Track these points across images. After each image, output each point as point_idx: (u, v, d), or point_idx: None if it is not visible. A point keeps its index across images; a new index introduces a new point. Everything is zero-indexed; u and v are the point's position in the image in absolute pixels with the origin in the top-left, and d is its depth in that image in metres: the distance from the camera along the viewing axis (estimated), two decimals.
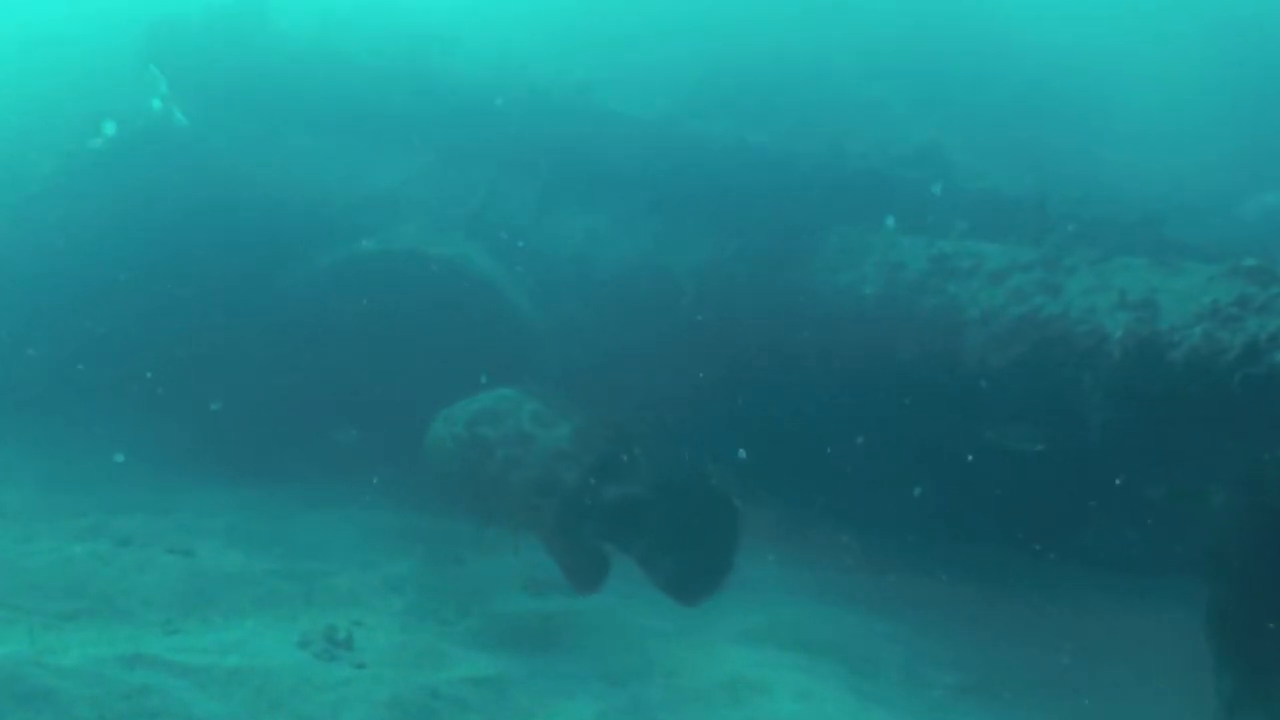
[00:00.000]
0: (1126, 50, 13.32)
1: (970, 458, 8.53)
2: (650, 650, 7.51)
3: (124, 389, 10.43)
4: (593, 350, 10.31)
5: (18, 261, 10.72)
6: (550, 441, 7.37)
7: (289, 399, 10.31)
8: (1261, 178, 12.23)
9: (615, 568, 8.88)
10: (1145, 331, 7.40)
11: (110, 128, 10.19)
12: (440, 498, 8.23)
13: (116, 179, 10.50)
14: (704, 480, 7.39)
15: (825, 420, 9.65)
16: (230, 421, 10.22)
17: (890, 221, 9.21)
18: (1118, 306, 7.64)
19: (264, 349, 10.45)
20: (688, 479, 7.27)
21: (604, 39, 10.71)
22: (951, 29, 12.74)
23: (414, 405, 8.56)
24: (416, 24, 9.99)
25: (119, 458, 9.41)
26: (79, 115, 10.48)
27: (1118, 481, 7.72)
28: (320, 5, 10.16)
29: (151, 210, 10.48)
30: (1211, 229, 10.61)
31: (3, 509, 8.56)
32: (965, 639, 8.26)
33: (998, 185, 10.44)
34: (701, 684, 7.10)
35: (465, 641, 7.23)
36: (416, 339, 10.09)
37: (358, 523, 9.01)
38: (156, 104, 10.02)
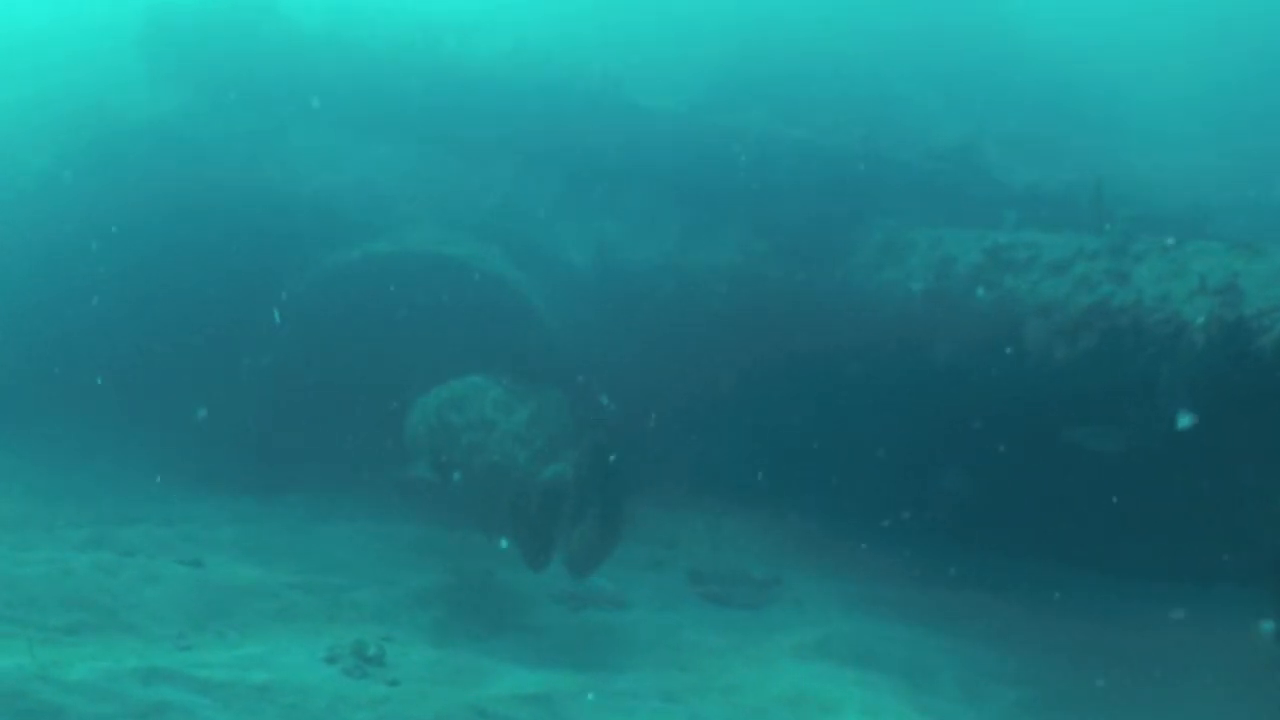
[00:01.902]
0: (1145, 53, 13.06)
1: (1034, 460, 8.07)
2: (704, 666, 6.97)
3: (117, 397, 9.82)
4: (613, 355, 9.82)
5: (8, 263, 10.10)
6: (509, 426, 7.47)
7: (293, 407, 9.73)
8: None
9: (652, 585, 8.46)
10: (1231, 317, 6.90)
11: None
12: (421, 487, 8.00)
13: (113, 177, 9.92)
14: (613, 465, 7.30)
15: (868, 426, 9.18)
16: (231, 432, 9.64)
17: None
18: (1197, 292, 7.15)
19: (268, 355, 9.88)
20: (608, 463, 7.17)
21: (627, 30, 10.24)
22: (977, 30, 12.39)
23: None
24: (432, 12, 9.43)
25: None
26: (73, 108, 9.87)
27: (1199, 481, 7.22)
28: None
29: (150, 210, 9.91)
30: (1242, 226, 10.24)
31: None
32: (1019, 653, 7.83)
33: (1041, 180, 10.05)
34: (763, 700, 6.57)
35: (504, 657, 6.66)
36: (427, 342, 9.54)
37: (372, 535, 8.42)
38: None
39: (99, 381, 9.87)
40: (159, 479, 9.28)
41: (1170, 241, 7.64)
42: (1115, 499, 8.12)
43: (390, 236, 9.82)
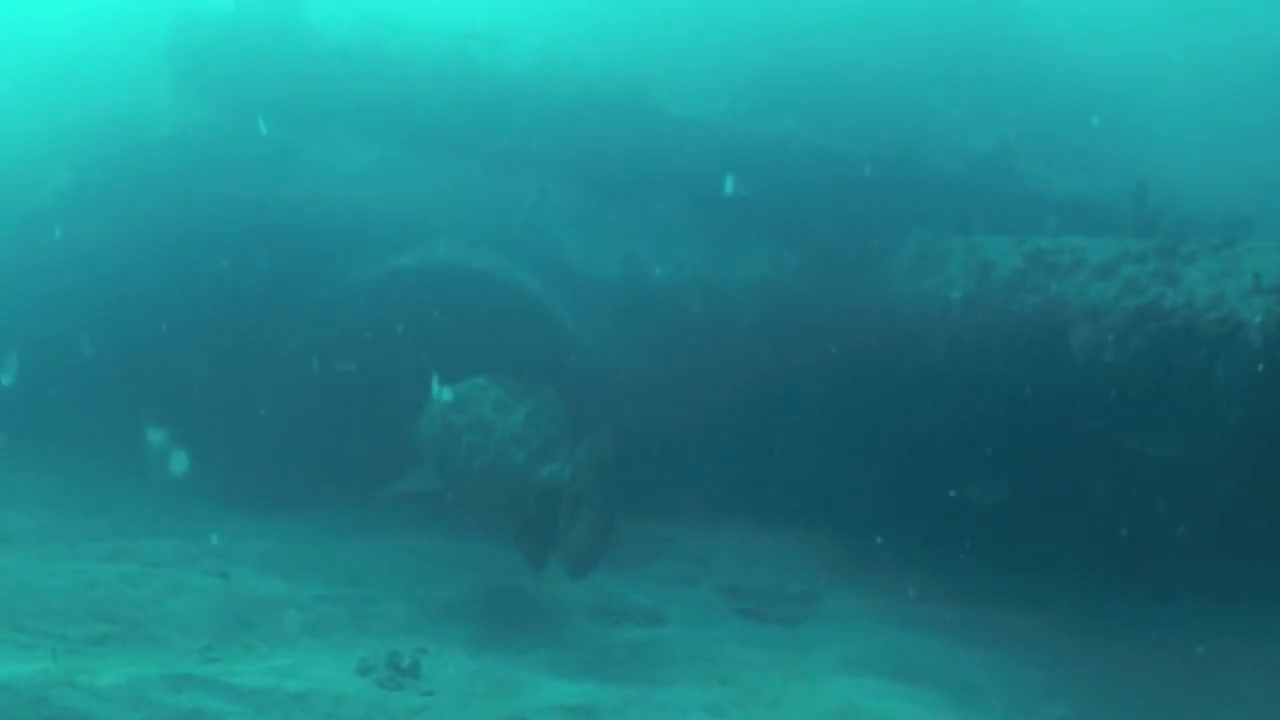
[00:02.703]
0: (1171, 60, 12.95)
1: (1080, 468, 7.87)
2: (746, 680, 6.74)
3: (138, 413, 9.64)
4: (641, 371, 9.63)
5: (30, 279, 9.93)
6: (507, 427, 7.55)
7: (316, 421, 9.55)
8: None
9: (687, 600, 8.24)
10: None
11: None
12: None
13: (136, 193, 9.77)
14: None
15: (906, 439, 8.97)
16: (254, 447, 9.45)
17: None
18: (1252, 291, 6.96)
19: (290, 372, 9.72)
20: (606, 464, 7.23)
21: (658, 38, 10.09)
22: (1003, 39, 12.25)
23: None
24: (459, 20, 9.29)
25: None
26: (96, 123, 9.74)
27: (1257, 488, 7.01)
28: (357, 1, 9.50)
29: (173, 226, 9.76)
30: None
31: (16, 533, 7.71)
32: (1063, 669, 7.62)
33: (1076, 187, 9.88)
34: (809, 714, 6.34)
35: (541, 670, 6.44)
36: (452, 357, 9.37)
37: (399, 548, 8.19)
38: None
39: (119, 397, 9.73)
40: (181, 495, 9.10)
41: (1220, 241, 7.45)
42: (1165, 508, 7.91)
43: (415, 252, 9.66)
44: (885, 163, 9.48)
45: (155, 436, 9.70)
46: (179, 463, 9.42)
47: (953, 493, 8.68)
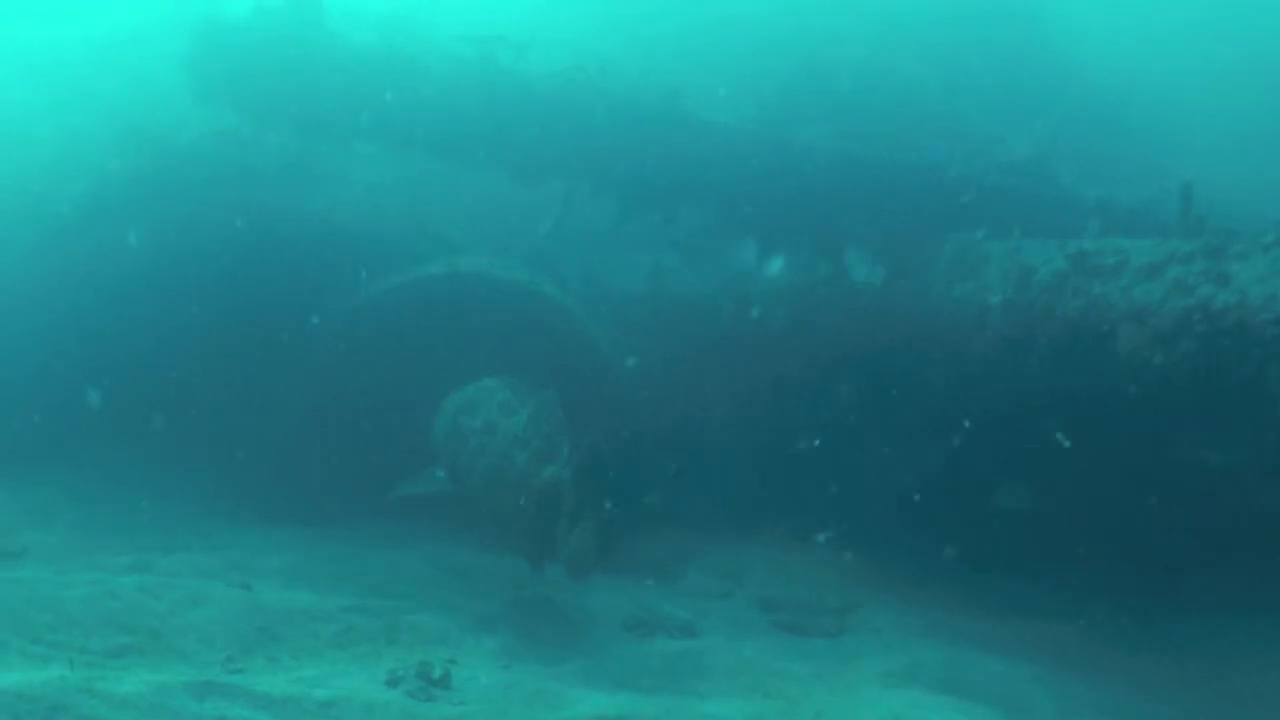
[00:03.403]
0: (1201, 71, 12.79)
1: (1127, 477, 7.62)
2: (788, 693, 6.49)
3: (157, 429, 9.45)
4: (669, 382, 9.43)
5: (47, 291, 9.76)
6: (510, 428, 7.57)
7: (337, 435, 9.34)
8: None
9: (722, 613, 7.99)
10: None
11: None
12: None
13: (156, 203, 9.62)
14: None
15: (943, 450, 8.74)
16: (274, 462, 9.26)
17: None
18: None
19: (313, 384, 9.53)
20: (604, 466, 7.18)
21: (689, 44, 9.94)
22: (1034, 49, 12.11)
23: None
24: (484, 25, 9.13)
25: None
26: (116, 131, 9.59)
27: None
28: (380, 5, 9.34)
29: (193, 238, 9.59)
30: None
31: (34, 547, 7.51)
32: (1109, 685, 7.36)
33: (1113, 194, 9.67)
34: None
35: (576, 682, 6.20)
36: (476, 369, 9.17)
37: (425, 560, 7.99)
38: None
39: (138, 413, 9.54)
40: (200, 511, 8.91)
41: (1272, 239, 7.21)
42: (1216, 519, 7.66)
43: (440, 263, 9.47)
44: (919, 169, 9.28)
45: (175, 452, 9.56)
46: (200, 479, 9.28)
47: (981, 501, 8.50)
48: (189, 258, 9.60)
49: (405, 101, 9.12)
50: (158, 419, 9.42)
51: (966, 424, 8.52)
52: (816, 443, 9.29)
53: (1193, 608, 8.34)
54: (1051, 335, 7.96)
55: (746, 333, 9.58)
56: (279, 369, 9.60)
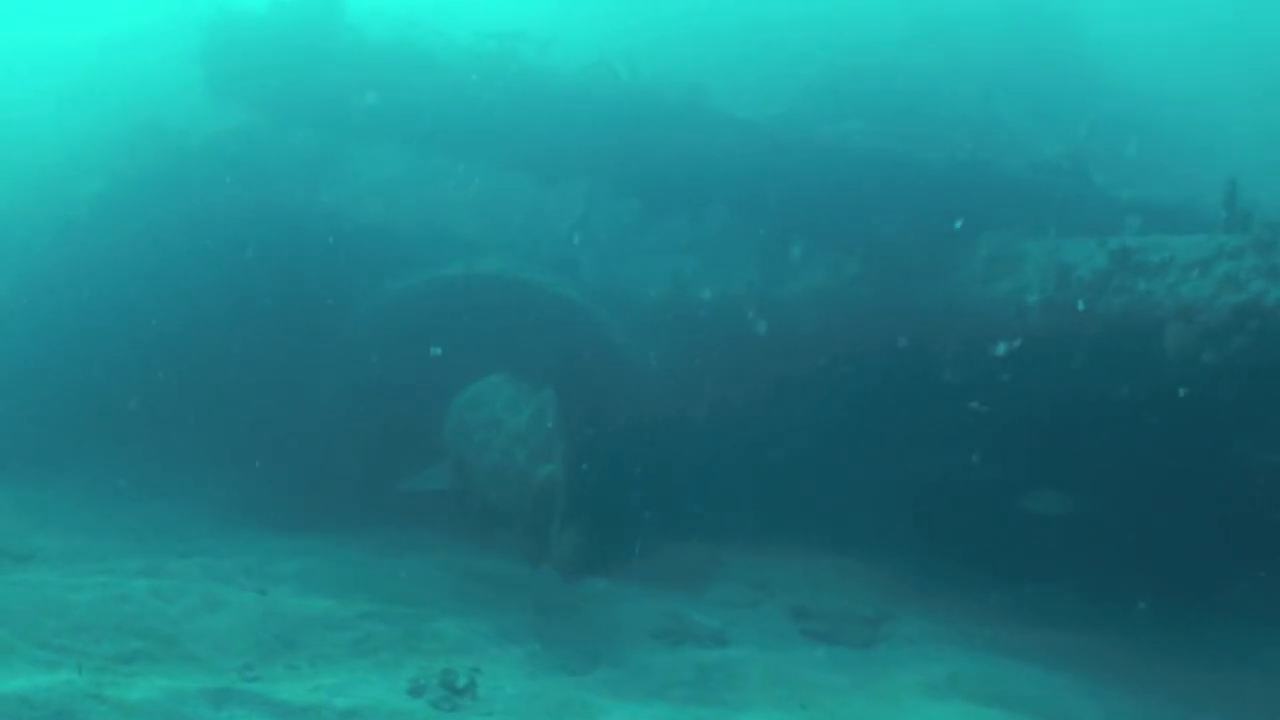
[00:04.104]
0: (1221, 78, 12.56)
1: (1175, 481, 7.35)
2: (827, 704, 6.23)
3: (167, 432, 9.23)
4: (692, 388, 9.18)
5: (61, 294, 9.54)
6: (514, 425, 7.53)
7: (353, 442, 9.11)
8: None
9: (752, 622, 7.73)
10: None
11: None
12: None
13: (170, 202, 9.40)
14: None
15: (976, 456, 8.47)
16: (288, 468, 9.02)
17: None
18: None
19: (327, 387, 9.30)
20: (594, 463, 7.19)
21: (717, 38, 9.69)
22: (1068, 54, 11.88)
23: None
24: (506, 21, 8.88)
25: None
26: (130, 128, 9.37)
27: None
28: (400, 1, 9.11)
29: (208, 237, 9.37)
30: None
31: (43, 552, 7.26)
32: (1155, 697, 7.13)
33: (1150, 195, 9.39)
34: None
35: (607, 692, 5.94)
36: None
37: (448, 568, 7.73)
38: None
39: (149, 417, 9.32)
40: (212, 516, 8.67)
41: None
42: (1266, 522, 7.39)
43: (458, 264, 9.25)
44: (950, 166, 9.01)
45: (186, 457, 9.33)
46: (211, 485, 9.05)
47: (1011, 505, 8.27)
48: (203, 258, 9.39)
49: (424, 98, 8.87)
50: (168, 422, 9.20)
51: (1001, 427, 8.27)
52: (843, 449, 9.06)
53: (1238, 616, 8.09)
54: (1093, 334, 7.68)
55: (772, 335, 9.32)
56: (295, 371, 9.37)
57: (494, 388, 7.90)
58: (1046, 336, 7.99)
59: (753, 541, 9.11)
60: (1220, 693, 7.17)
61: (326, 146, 9.36)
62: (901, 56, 10.73)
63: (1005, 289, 8.36)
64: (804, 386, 9.12)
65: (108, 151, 9.64)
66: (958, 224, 8.74)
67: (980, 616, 8.10)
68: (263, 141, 9.35)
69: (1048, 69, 11.78)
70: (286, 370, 9.34)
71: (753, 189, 9.08)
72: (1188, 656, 7.65)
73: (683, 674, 6.35)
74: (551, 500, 6.90)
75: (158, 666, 5.54)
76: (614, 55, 8.91)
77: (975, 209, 8.89)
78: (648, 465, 8.77)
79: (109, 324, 9.43)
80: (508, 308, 9.10)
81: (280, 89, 8.86)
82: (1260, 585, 7.87)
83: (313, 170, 9.41)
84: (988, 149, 9.24)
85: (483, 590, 7.37)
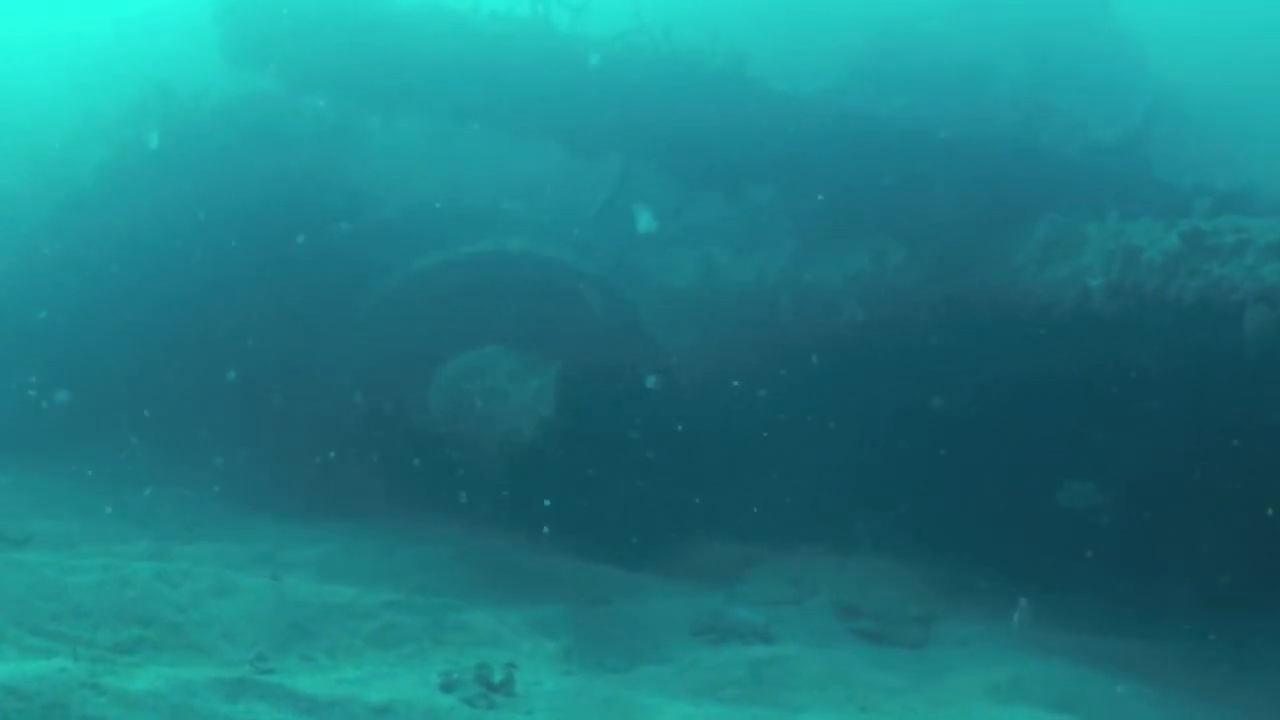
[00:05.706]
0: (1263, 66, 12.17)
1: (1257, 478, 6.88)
2: (887, 707, 5.76)
3: (173, 416, 8.76)
4: (724, 377, 8.74)
5: (56, 274, 9.08)
6: (520, 396, 7.65)
7: (365, 428, 8.65)
8: None
9: (797, 620, 7.29)
10: None
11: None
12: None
13: (179, 174, 8.94)
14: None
15: (1033, 451, 8.00)
16: (305, 454, 8.56)
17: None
18: None
19: (341, 370, 8.84)
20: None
21: (750, 10, 9.26)
22: (1103, 33, 11.46)
23: None
24: None
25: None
26: (139, 94, 8.91)
27: None
28: None
29: (219, 212, 8.92)
30: None
31: (41, 535, 6.80)
32: (1228, 707, 6.70)
33: (1211, 180, 8.94)
34: None
35: (652, 690, 5.46)
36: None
37: (470, 557, 7.25)
38: None
39: (156, 399, 8.86)
40: (222, 502, 8.21)
41: None
42: None
43: (484, 242, 8.80)
44: (1006, 147, 8.56)
45: (191, 441, 8.87)
46: (218, 470, 8.58)
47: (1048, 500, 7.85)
48: (215, 236, 8.93)
49: (451, 65, 8.42)
50: (177, 405, 8.75)
51: (1057, 421, 7.82)
52: (885, 443, 8.61)
53: None
54: (1162, 320, 7.22)
55: (805, 326, 8.88)
56: (308, 353, 8.92)
57: (491, 359, 7.96)
58: (1110, 323, 7.55)
59: (784, 540, 8.65)
60: None
61: (348, 114, 8.88)
62: (948, 29, 10.30)
63: (1064, 272, 7.90)
64: (841, 377, 8.68)
65: (118, 122, 9.17)
66: (1008, 207, 8.32)
67: (1028, 620, 7.66)
68: (280, 108, 8.88)
69: (1094, 50, 11.36)
70: (299, 351, 8.90)
71: (793, 168, 8.64)
72: (1250, 666, 7.18)
73: (733, 672, 5.86)
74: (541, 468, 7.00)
75: (162, 655, 5.07)
76: (652, 21, 8.48)
77: (1029, 192, 8.46)
78: (671, 455, 8.37)
79: (115, 302, 8.98)
80: (532, 285, 8.68)
81: (299, 54, 8.42)
82: None
83: (332, 139, 8.94)
84: (1041, 130, 8.81)
85: (508, 580, 6.90)
